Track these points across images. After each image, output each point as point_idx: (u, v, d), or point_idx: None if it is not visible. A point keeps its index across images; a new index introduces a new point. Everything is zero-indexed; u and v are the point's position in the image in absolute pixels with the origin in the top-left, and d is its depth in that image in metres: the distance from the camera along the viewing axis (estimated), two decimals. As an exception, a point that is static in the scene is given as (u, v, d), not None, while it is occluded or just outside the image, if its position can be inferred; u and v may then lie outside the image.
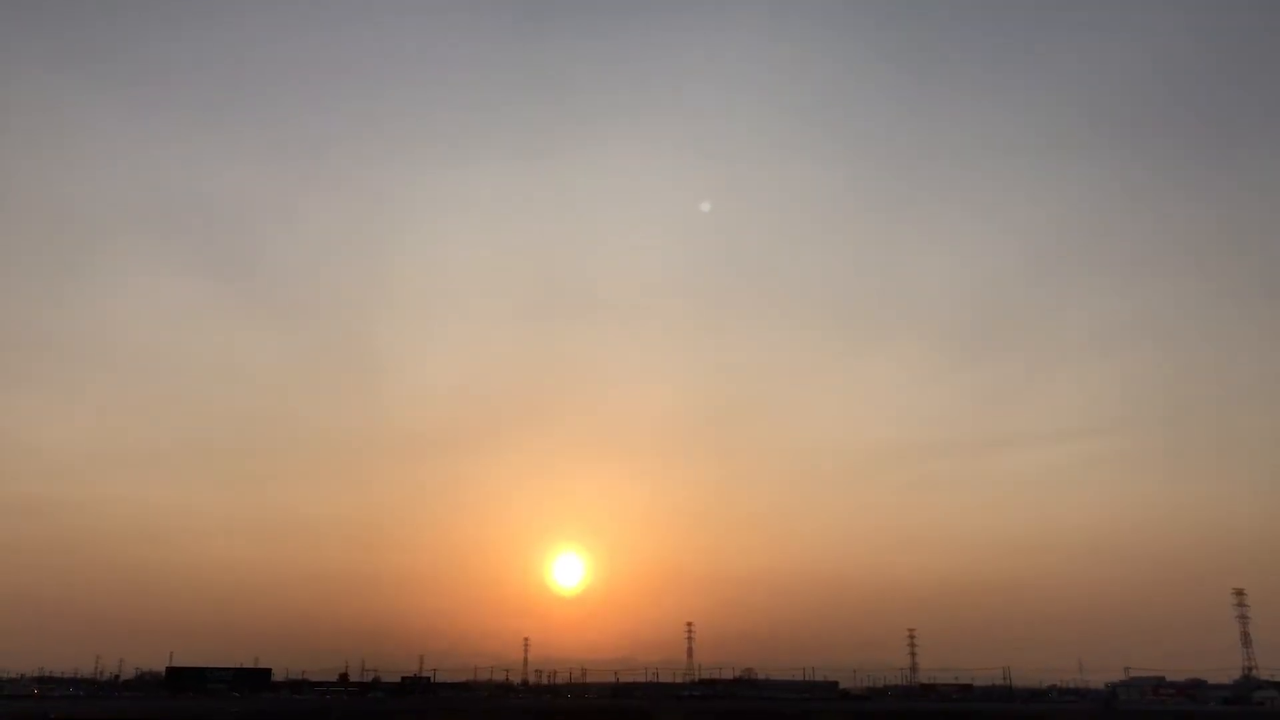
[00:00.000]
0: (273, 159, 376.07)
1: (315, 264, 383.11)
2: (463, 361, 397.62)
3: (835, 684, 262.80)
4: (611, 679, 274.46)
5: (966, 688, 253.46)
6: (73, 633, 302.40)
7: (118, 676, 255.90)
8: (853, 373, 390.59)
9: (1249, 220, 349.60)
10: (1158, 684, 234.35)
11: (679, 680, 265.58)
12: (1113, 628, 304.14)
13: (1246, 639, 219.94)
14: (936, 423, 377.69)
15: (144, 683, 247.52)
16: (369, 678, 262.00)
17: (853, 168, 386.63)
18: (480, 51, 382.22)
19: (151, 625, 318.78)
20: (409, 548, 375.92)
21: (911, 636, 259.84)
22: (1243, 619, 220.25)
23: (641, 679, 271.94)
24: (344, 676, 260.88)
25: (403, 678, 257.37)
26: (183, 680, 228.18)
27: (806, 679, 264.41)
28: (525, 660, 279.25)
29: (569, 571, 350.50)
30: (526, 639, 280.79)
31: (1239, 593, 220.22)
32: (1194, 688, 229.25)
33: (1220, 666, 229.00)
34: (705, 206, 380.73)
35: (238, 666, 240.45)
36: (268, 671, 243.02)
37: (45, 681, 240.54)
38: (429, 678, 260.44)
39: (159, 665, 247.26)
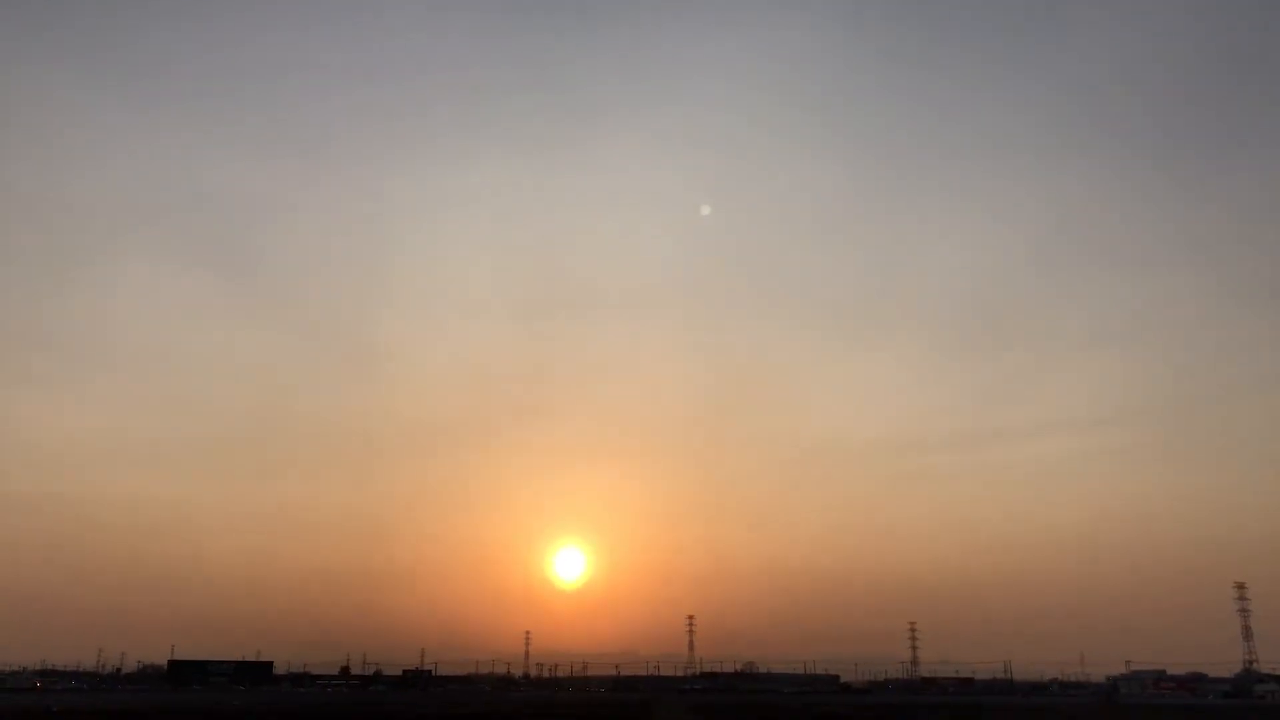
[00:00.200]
0: (274, 156, 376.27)
1: (317, 260, 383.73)
2: (464, 356, 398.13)
3: (836, 677, 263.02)
4: (613, 672, 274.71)
5: (967, 681, 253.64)
6: (75, 626, 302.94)
7: (119, 670, 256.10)
8: (853, 367, 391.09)
9: (1250, 217, 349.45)
10: (1159, 677, 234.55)
11: (680, 674, 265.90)
12: (1114, 621, 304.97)
13: (1248, 633, 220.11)
14: (937, 417, 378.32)
15: (146, 676, 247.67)
16: (370, 671, 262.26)
17: (853, 163, 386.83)
18: (480, 47, 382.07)
19: (153, 619, 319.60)
20: (410, 542, 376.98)
21: (912, 630, 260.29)
22: (1244, 613, 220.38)
23: (643, 673, 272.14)
24: (345, 670, 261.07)
25: (404, 671, 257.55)
26: (184, 673, 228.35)
27: (807, 672, 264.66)
28: (526, 654, 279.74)
29: (570, 565, 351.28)
30: (528, 632, 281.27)
31: (1240, 586, 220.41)
32: (1195, 681, 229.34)
33: (1221, 660, 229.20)
34: (705, 210, 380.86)
35: (239, 660, 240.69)
36: (269, 665, 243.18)
37: (47, 675, 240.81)
38: (430, 671, 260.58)
39: (161, 659, 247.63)
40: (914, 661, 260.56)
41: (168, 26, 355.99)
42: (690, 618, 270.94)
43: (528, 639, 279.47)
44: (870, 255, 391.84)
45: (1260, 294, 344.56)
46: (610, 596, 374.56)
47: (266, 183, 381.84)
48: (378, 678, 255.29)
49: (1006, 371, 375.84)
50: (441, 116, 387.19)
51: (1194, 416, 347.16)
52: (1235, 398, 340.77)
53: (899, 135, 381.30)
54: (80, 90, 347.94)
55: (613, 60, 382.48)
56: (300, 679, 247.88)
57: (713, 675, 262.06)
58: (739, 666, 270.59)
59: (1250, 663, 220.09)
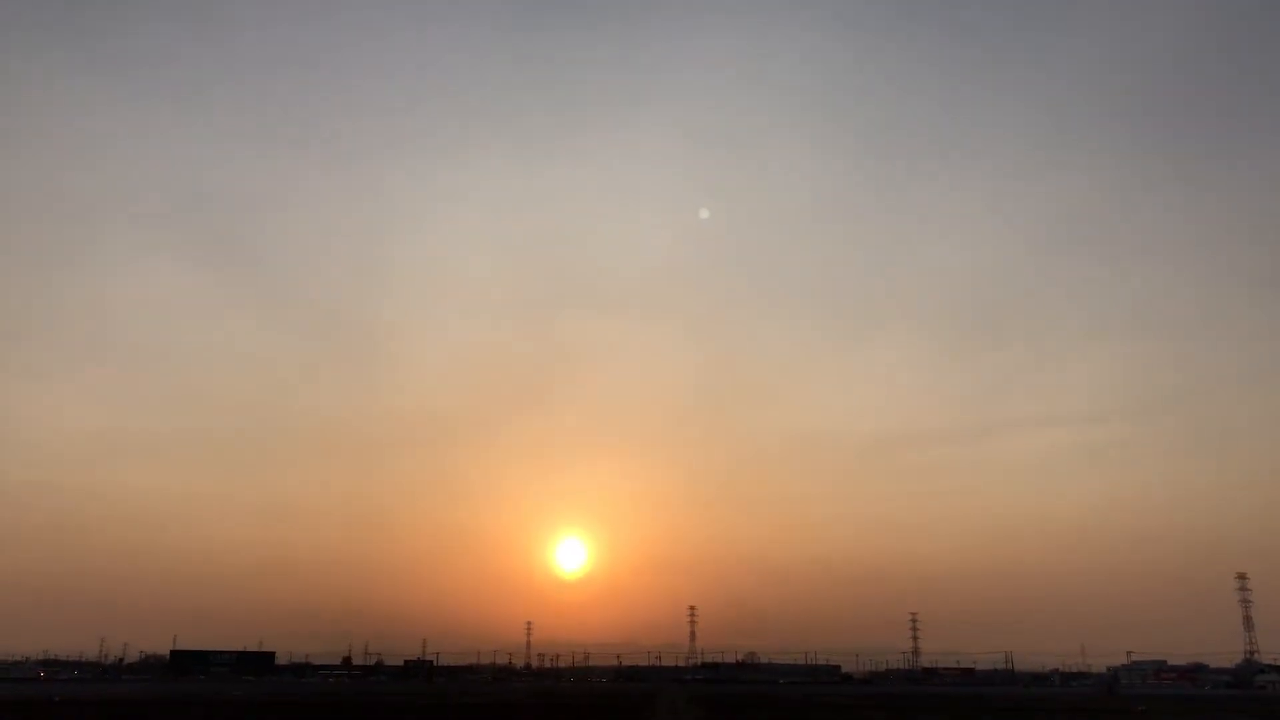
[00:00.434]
0: (270, 148, 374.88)
1: (316, 254, 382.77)
2: (464, 349, 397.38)
3: (837, 668, 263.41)
4: (614, 663, 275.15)
5: (968, 671, 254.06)
6: (77, 616, 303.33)
7: (122, 660, 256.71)
8: (853, 360, 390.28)
9: (1250, 210, 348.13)
10: (1159, 668, 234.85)
11: (682, 664, 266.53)
12: (1115, 612, 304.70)
13: (1249, 623, 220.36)
14: (937, 410, 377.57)
15: (148, 666, 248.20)
16: (372, 661, 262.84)
17: (851, 157, 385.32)
18: (478, 43, 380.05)
19: (155, 609, 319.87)
20: (411, 533, 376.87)
21: (914, 621, 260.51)
22: (1245, 603, 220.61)
23: (644, 663, 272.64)
24: (347, 660, 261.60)
25: (405, 661, 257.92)
26: (186, 663, 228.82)
27: (809, 663, 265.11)
28: (528, 644, 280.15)
29: (571, 556, 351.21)
30: (529, 623, 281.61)
31: (1241, 577, 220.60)
32: (1195, 671, 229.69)
33: (1222, 651, 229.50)
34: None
35: (241, 650, 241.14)
36: (271, 655, 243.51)
37: (50, 665, 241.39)
38: (432, 661, 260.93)
39: (163, 649, 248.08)
40: (915, 652, 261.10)
41: (164, 19, 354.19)
42: (692, 608, 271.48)
43: (529, 629, 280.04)
44: (869, 249, 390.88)
45: (1260, 286, 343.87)
46: (611, 587, 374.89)
47: (266, 177, 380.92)
48: (379, 668, 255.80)
49: (1006, 365, 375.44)
50: (439, 111, 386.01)
51: (1194, 408, 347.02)
52: (1235, 390, 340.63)
53: (898, 130, 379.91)
54: (77, 83, 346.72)
55: (611, 55, 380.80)
56: (302, 669, 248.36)
57: (714, 666, 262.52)
58: (740, 657, 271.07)
59: (1251, 653, 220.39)
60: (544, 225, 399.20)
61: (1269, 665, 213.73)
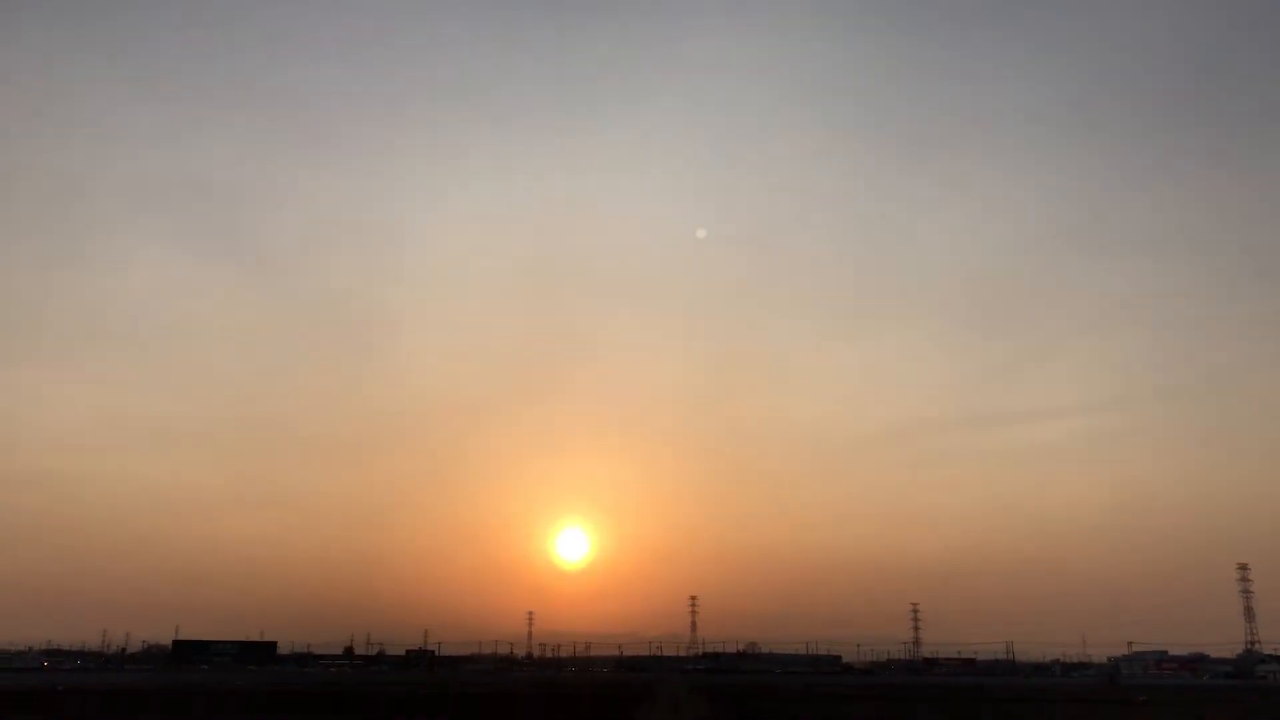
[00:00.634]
0: (273, 135, 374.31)
1: (320, 242, 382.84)
2: (467, 338, 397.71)
3: (838, 658, 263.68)
4: (615, 653, 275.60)
5: (969, 661, 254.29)
6: (79, 606, 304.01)
7: (124, 649, 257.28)
8: (857, 351, 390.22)
9: (1251, 200, 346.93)
10: (1160, 658, 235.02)
11: (683, 654, 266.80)
12: (1116, 603, 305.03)
13: (1250, 613, 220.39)
14: (940, 401, 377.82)
15: (150, 656, 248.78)
16: (374, 651, 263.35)
17: (858, 144, 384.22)
18: (483, 31, 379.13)
19: (157, 599, 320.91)
20: (413, 522, 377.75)
21: (915, 611, 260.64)
22: (1246, 594, 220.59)
23: (645, 653, 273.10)
24: (349, 650, 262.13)
25: (407, 651, 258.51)
26: (188, 653, 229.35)
27: (810, 653, 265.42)
28: (529, 634, 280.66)
29: (573, 546, 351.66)
30: (531, 613, 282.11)
31: (1243, 568, 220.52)
32: (1196, 662, 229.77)
33: (1223, 641, 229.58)
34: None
35: (243, 640, 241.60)
36: (273, 645, 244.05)
37: (52, 654, 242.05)
38: (433, 651, 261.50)
39: (165, 639, 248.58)
40: (916, 642, 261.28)
41: (164, 3, 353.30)
42: (693, 599, 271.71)
43: (530, 619, 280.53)
44: (873, 240, 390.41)
45: (1262, 278, 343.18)
46: (613, 577, 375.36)
47: (272, 167, 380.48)
48: (381, 658, 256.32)
49: (1007, 356, 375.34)
50: (444, 99, 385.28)
51: (1197, 398, 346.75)
52: (1238, 379, 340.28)
53: (902, 121, 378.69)
54: (81, 73, 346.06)
55: (616, 46, 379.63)
56: (304, 659, 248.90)
57: (715, 656, 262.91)
58: (742, 647, 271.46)
59: (1252, 643, 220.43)
60: (549, 214, 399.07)
61: (1269, 655, 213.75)
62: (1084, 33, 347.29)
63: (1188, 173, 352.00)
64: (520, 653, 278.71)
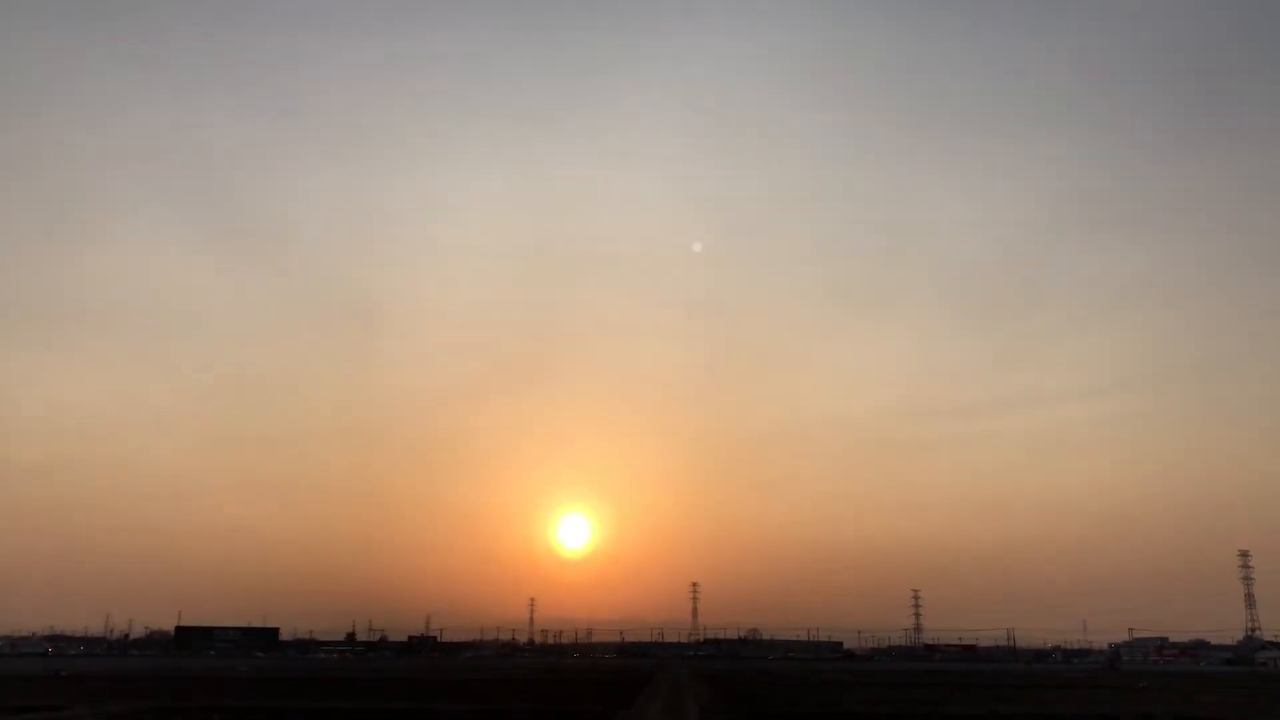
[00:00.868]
0: (271, 117, 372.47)
1: (317, 224, 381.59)
2: (467, 321, 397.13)
3: (839, 644, 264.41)
4: (617, 639, 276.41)
5: (970, 648, 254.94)
6: (82, 592, 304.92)
7: (127, 635, 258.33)
8: (859, 335, 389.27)
9: (1261, 183, 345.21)
10: (1161, 645, 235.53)
11: (684, 640, 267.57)
12: (1117, 589, 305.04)
13: (1250, 600, 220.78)
14: (942, 385, 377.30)
15: (153, 641, 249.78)
16: (375, 637, 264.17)
17: (860, 123, 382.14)
18: (480, 11, 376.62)
19: (160, 585, 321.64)
20: (415, 508, 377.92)
21: (916, 598, 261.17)
22: (1247, 580, 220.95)
23: (647, 639, 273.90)
24: (351, 636, 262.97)
25: (409, 637, 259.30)
26: (191, 639, 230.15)
27: (811, 639, 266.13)
28: (531, 620, 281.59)
29: (574, 533, 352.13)
30: (532, 599, 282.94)
31: (1244, 554, 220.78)
32: (1197, 648, 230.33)
33: (1224, 628, 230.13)
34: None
35: (245, 625, 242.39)
36: (275, 631, 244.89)
37: (56, 640, 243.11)
38: (435, 637, 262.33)
39: (167, 624, 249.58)
40: (917, 629, 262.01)
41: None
42: (694, 585, 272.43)
43: (532, 606, 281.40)
44: (876, 222, 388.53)
45: (1268, 261, 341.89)
46: (615, 564, 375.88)
47: (267, 147, 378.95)
48: (382, 644, 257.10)
49: (1011, 340, 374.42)
50: (442, 78, 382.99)
51: (1199, 384, 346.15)
52: (1239, 366, 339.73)
53: (906, 102, 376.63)
54: (77, 53, 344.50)
55: (614, 26, 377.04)
56: (306, 645, 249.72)
57: (717, 642, 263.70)
58: (743, 634, 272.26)
59: (1253, 630, 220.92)
60: (549, 195, 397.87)
61: (1270, 642, 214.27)
62: (1082, 20, 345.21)
63: (1187, 159, 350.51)
64: (522, 639, 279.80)
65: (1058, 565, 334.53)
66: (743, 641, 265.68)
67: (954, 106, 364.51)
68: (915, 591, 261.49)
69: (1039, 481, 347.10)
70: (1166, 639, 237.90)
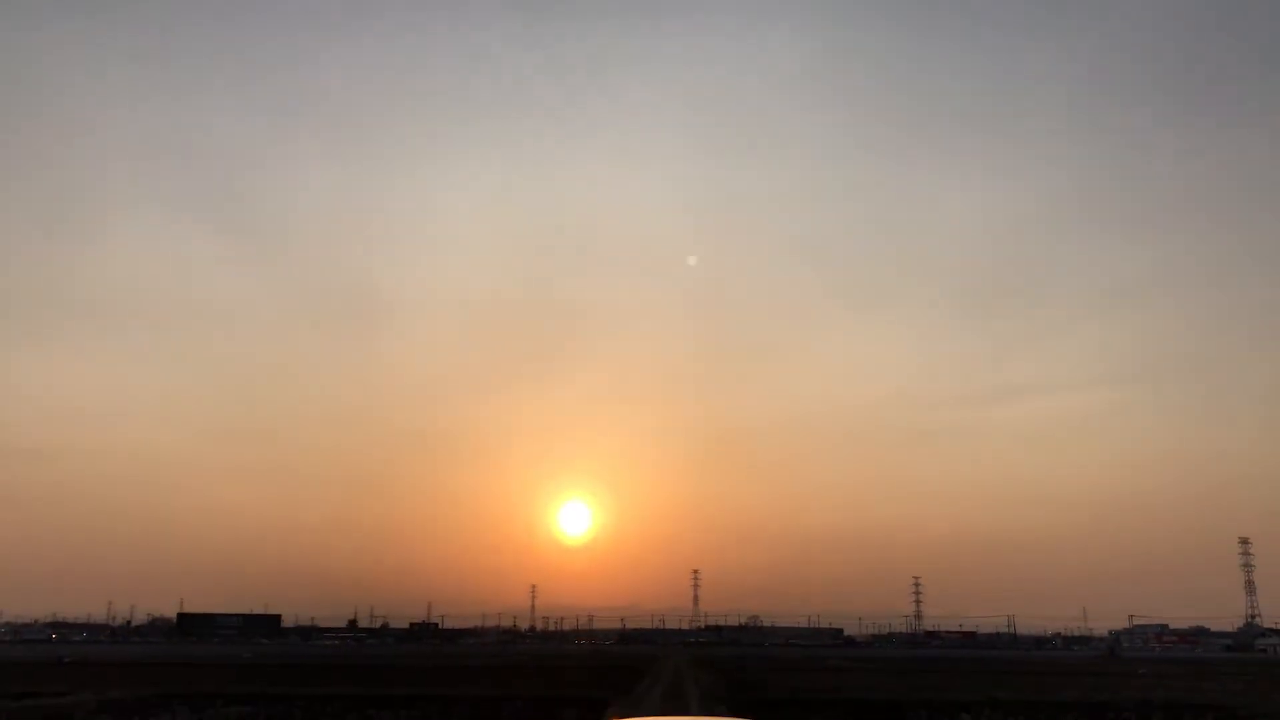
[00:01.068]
0: (272, 106, 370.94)
1: (318, 217, 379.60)
2: (470, 311, 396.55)
3: (840, 631, 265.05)
4: (618, 625, 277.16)
5: (970, 635, 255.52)
6: (85, 579, 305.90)
7: (129, 622, 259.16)
8: (858, 326, 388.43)
9: (1259, 177, 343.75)
10: (1161, 631, 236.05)
11: (685, 627, 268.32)
12: (1117, 576, 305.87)
13: (1250, 587, 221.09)
14: (944, 374, 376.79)
15: (155, 628, 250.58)
16: (378, 624, 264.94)
17: (859, 120, 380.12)
18: (480, 2, 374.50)
19: (162, 572, 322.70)
20: (417, 496, 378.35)
21: (916, 585, 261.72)
22: (1247, 567, 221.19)
23: (648, 625, 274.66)
24: (353, 622, 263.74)
25: (411, 624, 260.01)
26: (193, 626, 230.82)
27: (812, 626, 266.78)
28: (533, 607, 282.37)
29: (575, 520, 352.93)
30: (534, 586, 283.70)
31: (1244, 541, 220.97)
32: (1197, 635, 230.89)
33: (1224, 614, 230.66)
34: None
35: (247, 613, 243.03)
36: (277, 617, 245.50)
37: (59, 627, 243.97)
38: (437, 624, 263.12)
39: (169, 611, 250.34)
40: (918, 616, 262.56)
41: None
42: (695, 572, 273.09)
43: (534, 593, 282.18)
44: (876, 216, 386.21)
45: (1265, 253, 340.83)
46: (616, 551, 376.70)
47: (268, 137, 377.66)
48: (384, 630, 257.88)
49: (1010, 333, 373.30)
50: (442, 72, 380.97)
51: (1197, 374, 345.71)
52: (1238, 355, 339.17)
53: (906, 95, 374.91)
54: (79, 45, 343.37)
55: (614, 17, 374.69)
56: (308, 632, 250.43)
57: (718, 629, 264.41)
58: (744, 620, 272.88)
59: (1252, 617, 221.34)
60: (548, 188, 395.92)
61: (1270, 629, 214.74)
62: (1081, 19, 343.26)
63: (1185, 156, 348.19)
64: (523, 626, 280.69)
65: (1058, 553, 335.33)
66: (743, 628, 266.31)
67: (953, 104, 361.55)
68: (916, 579, 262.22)
69: (1039, 471, 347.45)
70: (1166, 626, 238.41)
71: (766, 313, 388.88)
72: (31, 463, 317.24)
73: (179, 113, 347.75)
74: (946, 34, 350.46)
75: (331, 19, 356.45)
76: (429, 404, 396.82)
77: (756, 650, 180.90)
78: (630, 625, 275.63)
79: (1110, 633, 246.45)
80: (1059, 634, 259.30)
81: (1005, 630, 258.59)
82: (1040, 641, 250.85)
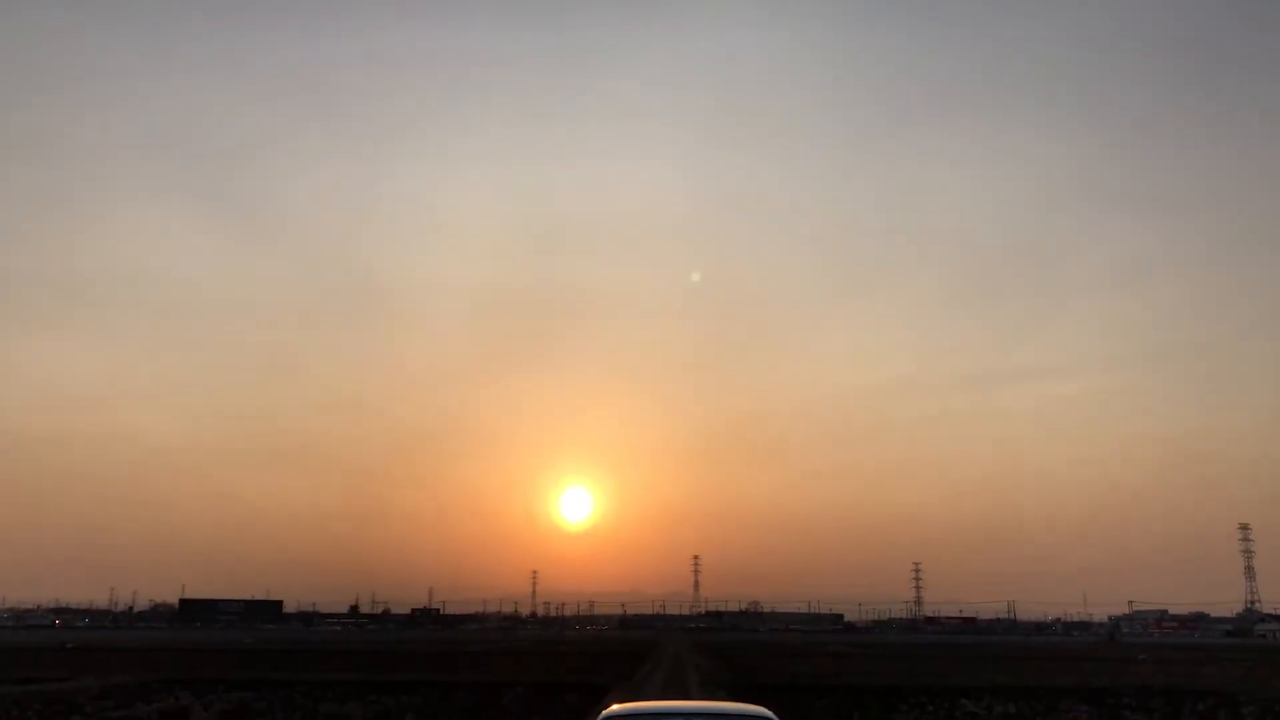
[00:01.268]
0: (278, 94, 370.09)
1: (320, 198, 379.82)
2: (471, 297, 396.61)
3: (840, 616, 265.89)
4: (619, 611, 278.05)
5: (970, 620, 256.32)
6: (88, 565, 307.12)
7: (131, 608, 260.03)
8: (859, 311, 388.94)
9: (1264, 158, 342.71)
10: (1160, 617, 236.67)
11: (686, 613, 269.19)
12: (1117, 562, 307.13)
13: (1250, 573, 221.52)
14: (944, 359, 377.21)
15: (157, 614, 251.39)
16: (379, 610, 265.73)
17: (863, 95, 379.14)
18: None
19: (164, 558, 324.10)
20: (418, 482, 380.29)
21: (916, 570, 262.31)
22: (1247, 553, 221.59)
23: (648, 611, 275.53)
24: (354, 608, 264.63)
25: (412, 610, 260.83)
26: (195, 612, 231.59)
27: (812, 612, 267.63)
28: (534, 593, 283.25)
29: (576, 507, 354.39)
30: (535, 572, 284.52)
31: (1244, 527, 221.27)
32: (1196, 621, 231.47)
33: (1223, 600, 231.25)
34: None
35: (249, 598, 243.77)
36: (279, 603, 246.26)
37: (62, 612, 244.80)
38: (438, 610, 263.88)
39: (172, 597, 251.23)
40: (918, 601, 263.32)
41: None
42: (696, 558, 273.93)
43: (534, 579, 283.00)
44: (878, 199, 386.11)
45: (1266, 237, 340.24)
46: (616, 537, 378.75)
47: (273, 123, 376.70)
48: (385, 616, 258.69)
49: (1010, 317, 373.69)
50: (445, 58, 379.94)
51: (1199, 358, 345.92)
52: (1241, 339, 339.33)
53: (912, 73, 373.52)
54: (84, 30, 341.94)
55: (619, 4, 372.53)
56: (309, 618, 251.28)
57: (718, 614, 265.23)
58: (744, 606, 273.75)
59: (1252, 603, 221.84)
60: (550, 173, 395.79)
61: (1269, 615, 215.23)
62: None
63: (1188, 137, 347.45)
64: (524, 612, 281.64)
65: (1058, 538, 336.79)
66: (744, 614, 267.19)
67: (956, 86, 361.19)
68: (916, 564, 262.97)
69: (1039, 456, 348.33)
70: (1166, 611, 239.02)
71: (768, 299, 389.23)
72: (34, 450, 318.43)
73: (180, 102, 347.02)
74: (948, 18, 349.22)
75: (334, 9, 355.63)
76: (431, 391, 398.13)
77: (757, 636, 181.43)
78: (631, 611, 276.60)
79: (1110, 618, 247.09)
80: (1059, 619, 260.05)
81: (1005, 616, 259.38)
82: (1040, 627, 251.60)
